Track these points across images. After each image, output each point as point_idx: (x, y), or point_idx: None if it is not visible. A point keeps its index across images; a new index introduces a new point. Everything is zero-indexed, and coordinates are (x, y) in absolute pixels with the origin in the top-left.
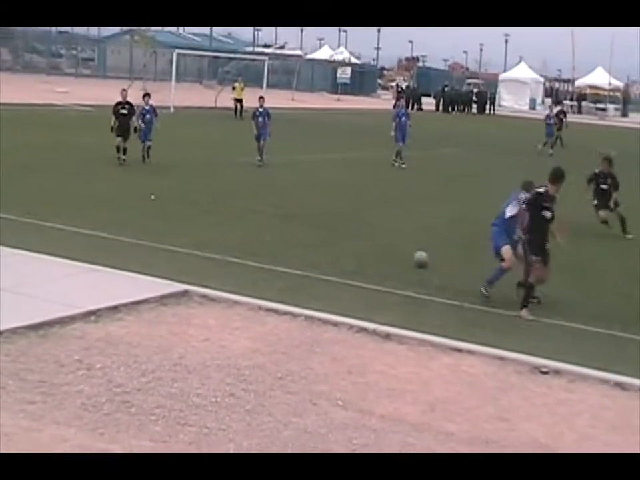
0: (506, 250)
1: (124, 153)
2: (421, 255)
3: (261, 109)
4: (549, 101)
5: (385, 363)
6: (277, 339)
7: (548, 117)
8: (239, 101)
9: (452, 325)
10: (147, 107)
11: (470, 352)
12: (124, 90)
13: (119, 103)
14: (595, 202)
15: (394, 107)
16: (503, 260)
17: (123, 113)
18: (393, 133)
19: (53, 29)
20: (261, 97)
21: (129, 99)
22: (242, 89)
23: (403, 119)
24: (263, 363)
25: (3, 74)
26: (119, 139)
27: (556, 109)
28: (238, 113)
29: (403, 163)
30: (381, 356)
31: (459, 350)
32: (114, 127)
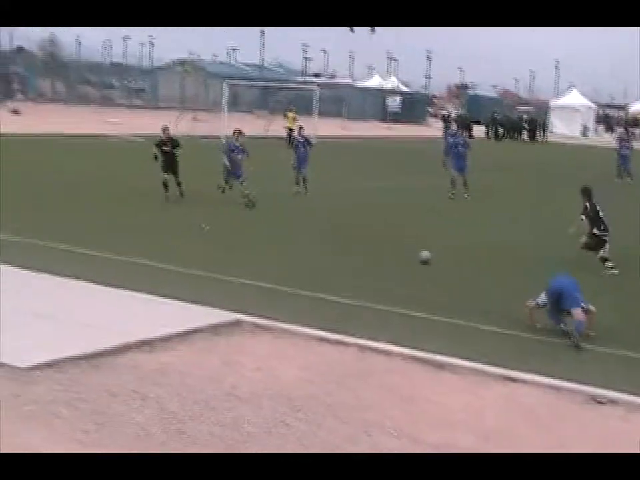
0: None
1: (166, 189)
2: (425, 253)
3: (300, 138)
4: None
5: (438, 392)
6: (329, 368)
7: (621, 143)
8: (291, 129)
9: (504, 354)
10: (236, 144)
11: (524, 381)
12: (166, 128)
13: (161, 141)
14: None
15: (445, 137)
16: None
17: (165, 150)
18: (444, 159)
19: (106, 60)
20: (301, 127)
21: (171, 132)
22: (294, 118)
23: (461, 149)
24: (315, 392)
25: (57, 105)
26: (165, 175)
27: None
28: (290, 141)
29: (465, 193)
30: (434, 385)
31: (513, 379)
32: (161, 166)
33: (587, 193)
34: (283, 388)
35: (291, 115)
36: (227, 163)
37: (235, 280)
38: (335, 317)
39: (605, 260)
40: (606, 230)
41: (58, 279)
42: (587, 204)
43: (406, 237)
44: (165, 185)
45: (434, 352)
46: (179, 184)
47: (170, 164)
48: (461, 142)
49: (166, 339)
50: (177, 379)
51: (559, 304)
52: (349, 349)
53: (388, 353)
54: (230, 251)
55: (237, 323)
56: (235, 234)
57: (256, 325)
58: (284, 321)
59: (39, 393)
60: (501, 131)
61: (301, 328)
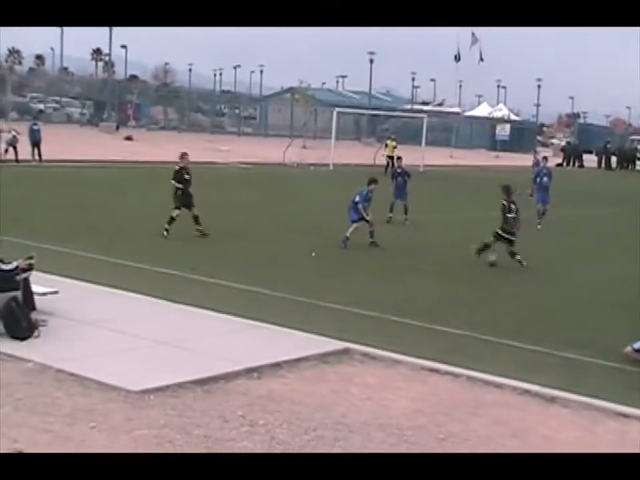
0: None
1: (170, 223)
2: (492, 257)
3: (398, 169)
4: None
5: (549, 427)
6: (438, 399)
7: None
8: (391, 158)
9: (616, 389)
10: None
11: (637, 418)
12: (185, 154)
13: (182, 169)
14: None
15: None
16: None
17: (186, 178)
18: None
19: (217, 89)
20: (399, 157)
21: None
22: (394, 147)
23: (545, 178)
24: (424, 424)
25: (170, 133)
26: (177, 211)
27: None
28: (389, 169)
29: (539, 224)
30: (545, 419)
31: (625, 415)
32: (176, 196)
33: (505, 190)
34: (392, 418)
35: (390, 143)
36: None
37: (344, 308)
38: (444, 347)
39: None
40: (508, 232)
41: (171, 305)
42: (504, 202)
43: (515, 271)
44: (171, 221)
45: (544, 385)
46: (196, 218)
47: (189, 196)
48: (545, 172)
49: (275, 367)
50: (286, 407)
51: None
52: (458, 379)
53: (498, 385)
54: (339, 279)
55: (346, 352)
56: (342, 262)
57: (365, 354)
58: (393, 351)
59: (152, 417)
60: (613, 160)
61: (410, 358)
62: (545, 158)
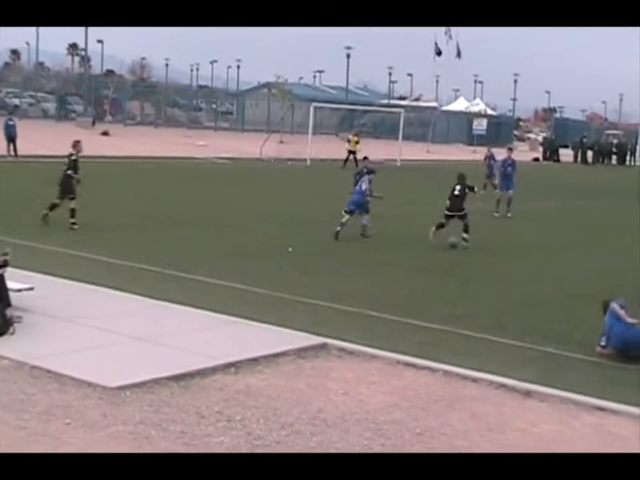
0: None
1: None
2: (453, 238)
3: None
4: None
5: (526, 421)
6: (415, 393)
7: None
8: (352, 152)
9: (593, 383)
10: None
11: (614, 411)
12: (78, 142)
13: (78, 158)
14: None
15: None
16: None
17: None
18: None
19: (194, 83)
20: (510, 148)
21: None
22: (356, 142)
23: (509, 168)
24: (401, 418)
25: (146, 128)
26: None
27: None
28: (348, 163)
29: (509, 212)
30: (522, 413)
31: (602, 409)
32: (71, 186)
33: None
34: (369, 413)
35: (353, 138)
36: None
37: (322, 303)
38: (422, 342)
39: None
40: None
41: (147, 300)
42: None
43: (493, 264)
44: (52, 208)
45: (522, 380)
46: (72, 211)
47: (66, 186)
48: (509, 162)
49: (253, 362)
50: (263, 402)
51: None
52: (435, 374)
53: (475, 380)
54: (316, 274)
55: (323, 347)
56: (322, 257)
57: (342, 349)
58: (370, 346)
59: (128, 413)
60: (589, 155)
61: (387, 353)
62: (510, 149)
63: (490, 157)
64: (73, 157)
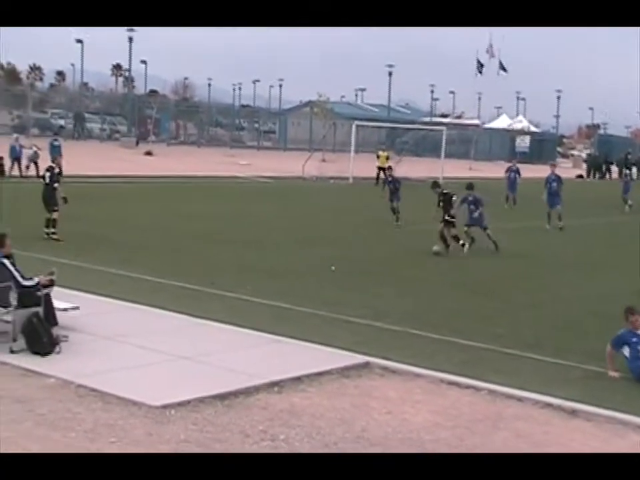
0: None
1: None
2: (436, 247)
3: (390, 178)
4: None
5: (572, 440)
6: (459, 412)
7: None
8: (382, 169)
9: (638, 401)
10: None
11: None
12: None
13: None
14: None
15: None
16: None
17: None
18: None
19: (237, 103)
20: (390, 167)
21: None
22: (386, 158)
23: (554, 184)
24: (445, 437)
25: (189, 147)
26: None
27: None
28: (380, 181)
29: (561, 228)
30: (567, 432)
31: None
32: (55, 198)
33: (435, 185)
34: (412, 432)
35: (382, 154)
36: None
37: (363, 322)
38: (465, 360)
39: (456, 238)
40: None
41: (191, 319)
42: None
43: (533, 281)
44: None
45: (567, 399)
46: (53, 221)
47: (47, 198)
48: (554, 178)
49: (296, 381)
50: (307, 421)
51: None
52: (479, 393)
53: (519, 399)
54: (357, 292)
55: (366, 366)
56: (362, 276)
57: (385, 368)
58: (413, 365)
59: (173, 432)
60: (634, 171)
61: (431, 372)
62: (553, 165)
63: (515, 171)
64: (57, 170)
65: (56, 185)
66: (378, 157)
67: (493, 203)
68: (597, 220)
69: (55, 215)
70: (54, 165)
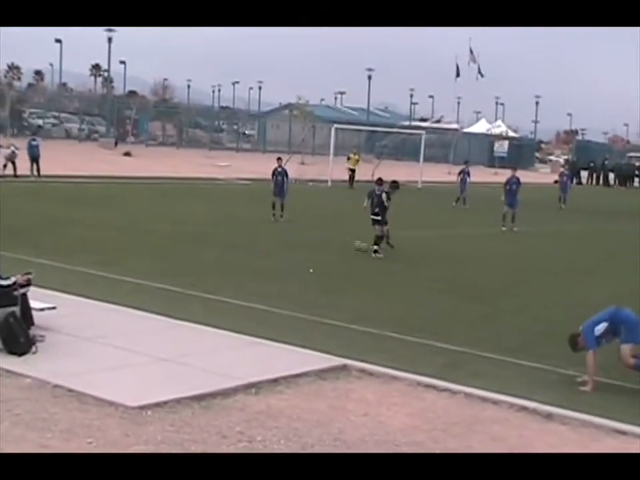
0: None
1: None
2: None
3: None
4: None
5: (547, 444)
6: (435, 415)
7: None
8: (353, 171)
9: (615, 406)
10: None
11: (635, 435)
12: None
13: None
14: None
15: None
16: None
17: None
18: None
19: (216, 105)
20: (514, 168)
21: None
22: (357, 160)
23: (514, 186)
24: (421, 440)
25: (168, 148)
26: None
27: None
28: (351, 182)
29: (515, 227)
30: (543, 436)
31: (624, 432)
32: None
33: (379, 181)
34: (389, 434)
35: (354, 157)
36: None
37: (342, 325)
38: (445, 364)
39: (377, 238)
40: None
41: (170, 321)
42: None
43: (517, 285)
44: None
45: (544, 402)
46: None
47: None
48: (514, 181)
49: (274, 383)
50: (284, 423)
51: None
52: (456, 396)
53: (496, 402)
54: (337, 296)
55: (344, 368)
56: (342, 279)
57: (363, 371)
58: (391, 367)
59: (150, 433)
60: (611, 177)
61: (408, 374)
62: (514, 169)
63: (465, 173)
64: None
65: None
66: (348, 158)
67: (478, 208)
68: (574, 226)
69: None
70: None
